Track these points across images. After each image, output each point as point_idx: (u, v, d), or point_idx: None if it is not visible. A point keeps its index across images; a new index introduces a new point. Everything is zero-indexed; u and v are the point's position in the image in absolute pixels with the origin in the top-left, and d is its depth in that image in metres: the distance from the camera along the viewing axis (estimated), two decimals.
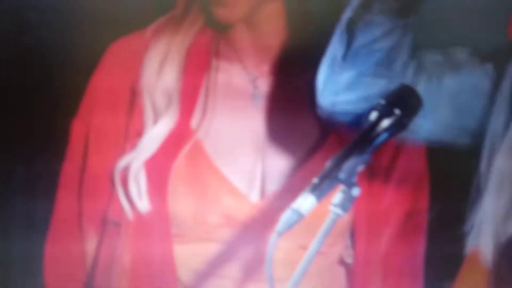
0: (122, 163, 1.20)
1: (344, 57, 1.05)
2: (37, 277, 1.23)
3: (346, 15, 1.05)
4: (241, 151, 1.23)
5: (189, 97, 1.22)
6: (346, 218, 1.09)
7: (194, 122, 1.22)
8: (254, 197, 1.21)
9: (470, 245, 1.02)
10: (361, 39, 1.03)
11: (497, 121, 1.01)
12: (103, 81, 1.24)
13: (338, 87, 1.06)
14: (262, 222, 1.18)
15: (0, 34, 1.22)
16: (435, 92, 1.06)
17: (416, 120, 1.04)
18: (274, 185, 1.21)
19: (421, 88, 1.03)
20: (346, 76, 1.05)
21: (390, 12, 1.02)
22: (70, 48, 1.25)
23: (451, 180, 1.09)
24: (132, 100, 1.22)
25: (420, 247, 1.28)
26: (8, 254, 1.23)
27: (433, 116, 1.06)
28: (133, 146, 1.21)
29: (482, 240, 1.00)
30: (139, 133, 1.21)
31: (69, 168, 1.25)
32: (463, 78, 1.06)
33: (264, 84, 1.23)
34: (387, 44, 1.03)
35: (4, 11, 1.20)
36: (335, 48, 1.06)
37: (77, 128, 1.25)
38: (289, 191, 1.14)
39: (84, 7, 1.24)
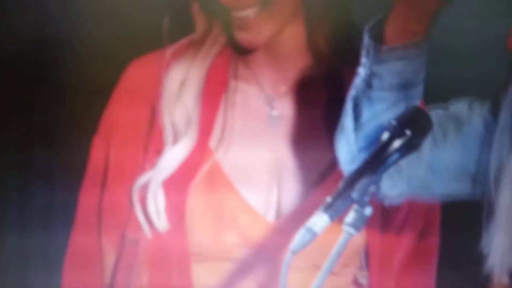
0: (140, 181, 1.24)
1: (355, 129, 1.09)
2: (55, 272, 1.27)
3: (351, 92, 1.09)
4: (258, 171, 1.26)
5: (207, 118, 1.26)
6: (359, 238, 1.12)
7: (212, 142, 1.26)
8: (270, 217, 1.25)
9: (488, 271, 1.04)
10: (367, 113, 1.08)
11: (501, 151, 1.04)
12: (123, 99, 1.28)
13: (353, 157, 1.10)
14: (278, 241, 1.22)
15: (19, 53, 1.26)
16: (442, 152, 1.09)
17: (430, 181, 1.09)
18: (290, 205, 1.25)
19: (429, 151, 1.07)
20: (359, 146, 1.09)
21: (390, 88, 1.06)
22: (89, 65, 1.29)
23: (463, 203, 1.12)
24: (152, 119, 1.26)
25: (432, 268, 1.30)
26: (26, 251, 1.26)
27: (445, 174, 1.10)
28: (152, 164, 1.25)
29: (495, 273, 1.03)
30: (158, 152, 1.25)
31: (89, 185, 1.29)
32: (465, 129, 1.09)
33: (281, 105, 1.27)
34: (392, 116, 1.05)
35: (24, 24, 1.24)
36: (345, 121, 1.10)
37: (98, 145, 1.29)
38: (305, 211, 1.17)
39: (103, 25, 1.27)
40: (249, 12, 1.21)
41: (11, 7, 1.22)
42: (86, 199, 1.29)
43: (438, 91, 1.21)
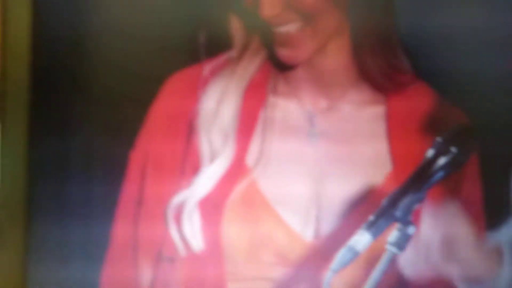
0: (176, 200, 1.25)
1: None
2: (94, 265, 1.28)
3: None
4: (296, 189, 1.26)
5: (245, 135, 1.27)
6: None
7: (249, 159, 1.27)
8: (309, 236, 1.25)
9: None
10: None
11: None
12: (161, 114, 1.29)
13: None
14: (317, 261, 1.22)
15: (55, 65, 1.28)
16: None
17: None
18: (329, 224, 1.25)
19: None
20: None
21: None
22: (128, 79, 1.31)
23: None
24: (189, 135, 1.28)
25: None
26: (65, 243, 1.29)
27: None
28: (189, 182, 1.26)
29: None
30: (195, 169, 1.26)
31: (126, 200, 1.30)
32: None
33: (321, 122, 1.27)
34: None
35: (60, 39, 1.26)
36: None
37: (135, 160, 1.30)
38: (344, 231, 1.18)
39: (141, 38, 1.29)
40: (291, 28, 1.22)
41: (46, 22, 1.24)
42: (124, 215, 1.30)
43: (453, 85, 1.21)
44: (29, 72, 1.22)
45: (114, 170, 1.29)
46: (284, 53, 1.24)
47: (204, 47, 1.28)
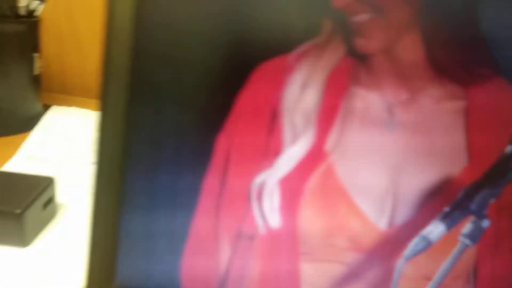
0: (259, 179, 1.30)
1: None
2: (179, 256, 1.33)
3: None
4: (373, 178, 1.29)
5: (326, 120, 1.30)
6: (471, 250, 1.14)
7: (329, 145, 1.30)
8: (383, 224, 1.28)
9: None
10: None
11: None
12: (248, 101, 1.33)
13: None
14: (389, 249, 1.25)
15: (154, 52, 1.33)
16: None
17: None
18: (403, 214, 1.27)
19: None
20: None
21: None
22: (220, 66, 1.34)
23: None
24: (272, 120, 1.31)
25: None
26: (152, 234, 1.32)
27: None
28: (271, 164, 1.30)
29: None
30: (277, 152, 1.30)
31: (210, 182, 1.33)
32: None
33: (401, 113, 1.29)
34: None
35: (161, 25, 1.30)
36: None
37: (221, 144, 1.33)
38: (418, 221, 1.20)
39: (235, 26, 1.32)
40: (362, 18, 1.26)
41: (148, 10, 1.28)
42: (208, 195, 1.33)
43: None
44: (129, 57, 1.26)
45: (203, 158, 1.32)
46: (357, 42, 1.27)
47: (298, 36, 1.31)
